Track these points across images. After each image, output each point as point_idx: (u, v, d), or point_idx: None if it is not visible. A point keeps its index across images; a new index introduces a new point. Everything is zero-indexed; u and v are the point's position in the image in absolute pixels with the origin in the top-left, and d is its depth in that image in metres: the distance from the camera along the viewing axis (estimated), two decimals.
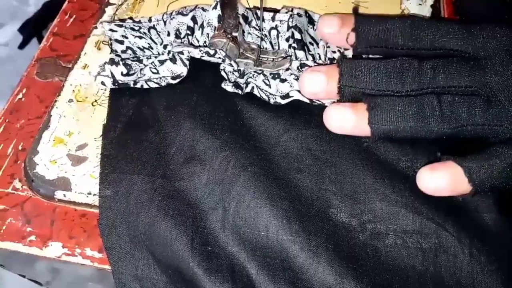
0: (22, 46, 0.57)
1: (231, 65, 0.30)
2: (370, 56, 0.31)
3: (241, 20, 0.32)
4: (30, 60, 0.36)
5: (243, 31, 0.32)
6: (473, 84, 0.26)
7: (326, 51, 0.32)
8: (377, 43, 0.29)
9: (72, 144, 0.30)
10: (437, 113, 0.26)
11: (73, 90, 0.32)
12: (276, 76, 0.31)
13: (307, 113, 0.30)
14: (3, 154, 0.31)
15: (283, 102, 0.30)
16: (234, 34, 0.31)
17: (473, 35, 0.27)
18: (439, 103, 0.26)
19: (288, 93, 0.30)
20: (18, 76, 0.35)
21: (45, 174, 0.29)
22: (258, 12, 0.31)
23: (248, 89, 0.30)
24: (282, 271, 0.25)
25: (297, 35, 0.31)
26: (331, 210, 0.26)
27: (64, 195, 0.29)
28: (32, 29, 0.55)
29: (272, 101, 0.30)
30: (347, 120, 0.27)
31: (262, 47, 0.33)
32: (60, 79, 0.34)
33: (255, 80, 0.31)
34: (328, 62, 0.32)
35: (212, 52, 0.30)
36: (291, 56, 0.32)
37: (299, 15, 0.32)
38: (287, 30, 0.32)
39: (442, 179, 0.25)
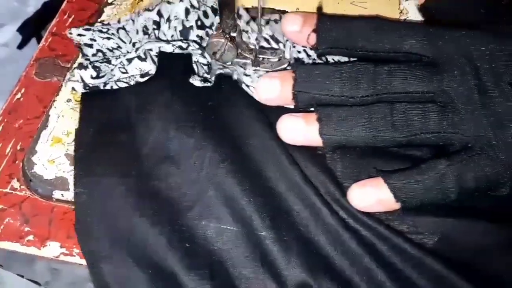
0: (21, 46, 0.57)
1: (204, 56, 0.30)
2: (336, 59, 0.31)
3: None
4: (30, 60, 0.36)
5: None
6: (430, 89, 0.26)
7: (292, 51, 0.32)
8: (338, 44, 0.29)
9: (70, 143, 0.30)
10: (389, 122, 0.26)
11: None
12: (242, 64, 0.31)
13: (278, 107, 0.30)
14: (2, 154, 0.31)
15: (244, 86, 0.30)
16: (232, 34, 0.31)
17: (434, 38, 0.27)
18: (391, 111, 0.26)
19: (249, 86, 0.30)
20: (18, 76, 0.35)
21: (43, 174, 0.29)
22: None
23: (213, 76, 0.30)
24: (261, 266, 0.25)
25: (274, 45, 0.32)
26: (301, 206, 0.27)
27: (62, 194, 0.29)
28: (31, 29, 0.55)
29: (235, 76, 0.30)
30: (299, 131, 0.27)
31: (259, 47, 0.33)
32: (58, 79, 0.34)
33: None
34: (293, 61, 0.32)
35: (185, 45, 0.30)
36: (290, 56, 0.32)
37: (276, 21, 0.32)
38: (255, 40, 0.32)
39: (370, 196, 0.25)
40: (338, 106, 0.27)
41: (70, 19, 0.38)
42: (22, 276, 0.37)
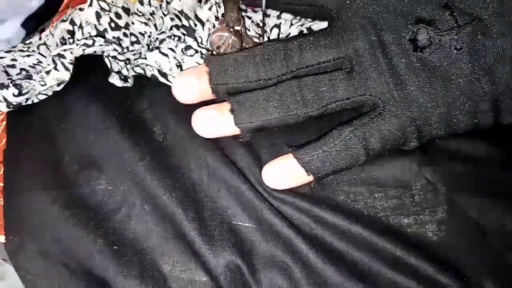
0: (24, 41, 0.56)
1: (115, 50, 0.30)
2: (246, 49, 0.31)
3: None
4: None
5: None
6: (339, 55, 0.26)
7: (210, 33, 0.31)
8: None
9: None
10: (298, 99, 0.26)
11: None
12: (155, 48, 0.30)
13: None
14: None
15: (161, 78, 0.29)
16: (237, 28, 0.31)
17: None
18: (299, 88, 0.26)
19: (166, 74, 0.29)
20: None
21: None
22: None
23: (131, 74, 0.30)
24: (190, 257, 0.25)
25: (185, 22, 0.31)
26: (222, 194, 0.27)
27: None
28: (35, 24, 0.55)
29: (148, 73, 0.30)
30: (214, 124, 0.27)
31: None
32: None
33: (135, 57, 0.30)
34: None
35: (90, 42, 0.29)
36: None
37: None
38: (172, 17, 0.31)
39: (282, 173, 0.26)
40: (250, 91, 0.27)
41: None
42: None
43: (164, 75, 0.29)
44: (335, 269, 0.24)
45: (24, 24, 0.59)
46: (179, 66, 0.30)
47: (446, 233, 0.25)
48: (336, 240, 0.25)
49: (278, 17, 0.32)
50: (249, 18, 0.32)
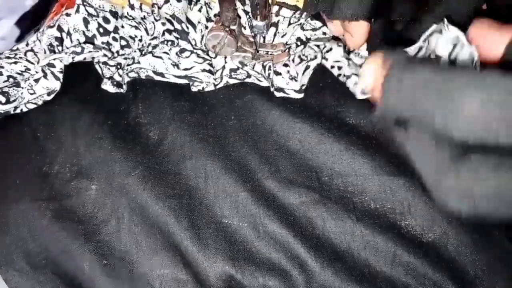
0: (19, 40, 0.56)
1: (105, 55, 0.30)
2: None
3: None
4: None
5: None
6: None
7: (203, 35, 0.31)
8: None
9: None
10: None
11: None
12: (148, 53, 0.30)
13: (191, 101, 0.29)
14: None
15: (157, 77, 0.29)
16: (232, 27, 0.30)
17: None
18: None
19: (162, 73, 0.29)
20: None
21: None
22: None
23: (126, 80, 0.29)
24: (182, 268, 0.25)
25: (177, 25, 0.31)
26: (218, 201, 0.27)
27: None
28: (30, 22, 0.54)
29: (142, 75, 0.29)
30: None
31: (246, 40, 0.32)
32: None
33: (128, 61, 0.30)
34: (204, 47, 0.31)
35: (79, 50, 0.29)
36: (289, 48, 0.31)
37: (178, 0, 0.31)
38: (164, 22, 0.31)
39: None
40: None
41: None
42: None
43: (160, 74, 0.29)
44: (333, 272, 0.24)
45: (18, 23, 0.58)
46: (176, 65, 0.29)
47: (446, 231, 0.25)
48: (337, 241, 0.25)
49: (277, 14, 0.31)
50: (247, 13, 0.31)
